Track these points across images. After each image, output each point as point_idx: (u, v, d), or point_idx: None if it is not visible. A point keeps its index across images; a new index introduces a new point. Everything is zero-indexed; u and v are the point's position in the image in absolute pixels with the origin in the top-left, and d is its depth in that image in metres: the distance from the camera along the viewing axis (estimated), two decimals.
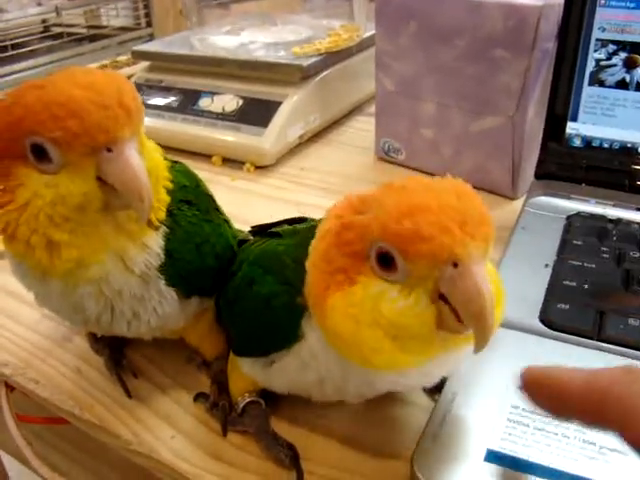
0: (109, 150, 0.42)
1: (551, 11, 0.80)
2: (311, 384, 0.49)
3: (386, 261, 0.39)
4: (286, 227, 0.56)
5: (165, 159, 0.51)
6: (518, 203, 0.88)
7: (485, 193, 0.91)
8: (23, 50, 3.57)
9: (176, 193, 0.51)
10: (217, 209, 0.59)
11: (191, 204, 0.54)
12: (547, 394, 0.38)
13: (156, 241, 0.49)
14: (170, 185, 0.49)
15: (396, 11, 0.92)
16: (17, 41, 3.61)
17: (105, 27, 4.26)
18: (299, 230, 0.53)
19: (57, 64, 3.81)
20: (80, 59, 3.95)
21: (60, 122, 0.41)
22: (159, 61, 1.16)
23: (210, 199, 0.58)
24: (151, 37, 4.47)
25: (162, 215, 0.49)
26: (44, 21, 4.12)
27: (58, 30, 3.98)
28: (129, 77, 1.20)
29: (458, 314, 0.38)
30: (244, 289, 0.50)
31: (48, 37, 4.01)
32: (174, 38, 1.26)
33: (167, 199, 0.49)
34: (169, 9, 5.30)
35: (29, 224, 0.44)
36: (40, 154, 0.43)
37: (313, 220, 0.58)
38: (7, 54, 3.47)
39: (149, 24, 4.40)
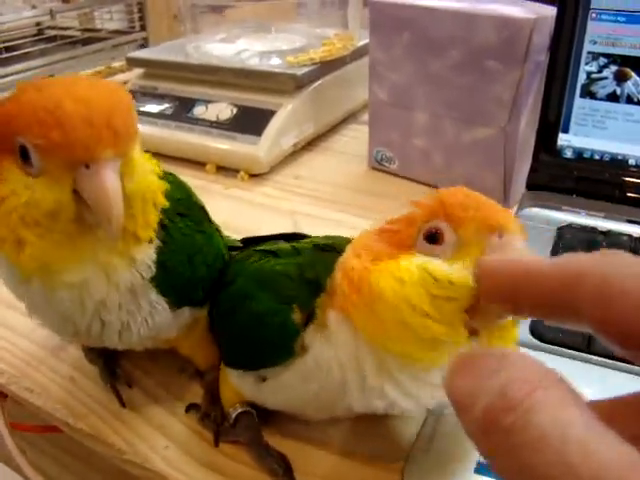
0: (87, 167, 0.42)
1: (543, 24, 0.81)
2: (309, 398, 0.49)
3: (434, 237, 0.41)
4: (283, 245, 0.56)
5: (160, 176, 0.51)
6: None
7: None
8: (17, 53, 3.58)
9: (169, 206, 0.51)
10: (209, 219, 0.59)
11: (184, 216, 0.54)
12: (506, 282, 0.33)
13: (147, 254, 0.49)
14: (166, 204, 0.50)
15: (390, 22, 0.92)
16: (11, 44, 3.62)
17: (99, 30, 4.26)
18: (301, 250, 0.53)
19: (51, 67, 3.81)
20: (74, 62, 3.96)
21: (44, 130, 0.41)
22: (154, 68, 1.16)
23: (202, 210, 0.59)
24: (145, 41, 4.48)
25: (148, 234, 0.48)
26: (38, 24, 4.12)
27: (52, 33, 3.99)
28: (124, 83, 1.21)
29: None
30: (238, 303, 0.51)
31: (42, 40, 4.02)
32: (169, 45, 1.26)
33: (156, 219, 0.49)
34: (163, 13, 5.30)
35: (3, 220, 0.44)
36: (25, 155, 0.43)
37: (310, 237, 0.59)
38: (0, 57, 3.48)
39: (143, 28, 4.41)
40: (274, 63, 1.09)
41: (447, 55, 0.88)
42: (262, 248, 0.56)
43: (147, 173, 0.48)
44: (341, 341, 0.46)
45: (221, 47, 1.19)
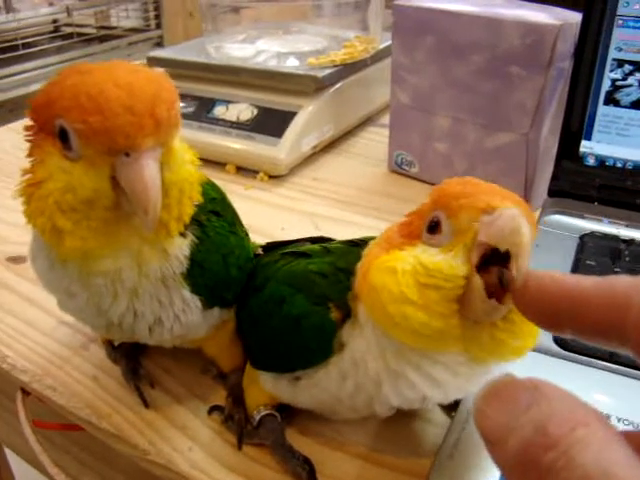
0: (127, 155, 0.41)
1: (568, 30, 0.80)
2: (345, 396, 0.49)
3: (433, 227, 0.42)
4: (312, 246, 0.56)
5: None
6: None
7: None
8: (33, 50, 3.59)
9: (206, 204, 0.51)
10: (240, 222, 0.59)
11: (219, 215, 0.54)
12: (546, 300, 0.33)
13: (179, 248, 0.49)
14: (200, 199, 0.49)
15: (413, 26, 0.92)
16: (27, 40, 3.63)
17: (115, 28, 4.28)
18: (331, 249, 0.54)
19: (67, 64, 3.82)
20: (90, 59, 3.97)
21: (84, 115, 0.40)
22: (174, 68, 1.16)
23: (235, 212, 0.59)
24: (161, 39, 4.51)
25: (180, 226, 0.48)
26: (54, 21, 4.14)
27: (68, 30, 4.00)
28: None
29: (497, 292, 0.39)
30: (272, 307, 0.51)
31: (58, 37, 4.03)
32: (189, 44, 1.26)
33: (192, 211, 0.48)
34: (179, 11, 5.32)
35: (39, 203, 0.44)
36: (65, 138, 0.42)
37: (336, 240, 0.59)
38: (17, 53, 3.50)
39: (159, 26, 4.43)
40: (295, 64, 1.09)
41: (470, 60, 0.87)
42: (290, 250, 0.56)
43: (186, 163, 0.47)
44: (367, 330, 0.47)
45: (242, 47, 1.19)
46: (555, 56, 0.81)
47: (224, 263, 0.53)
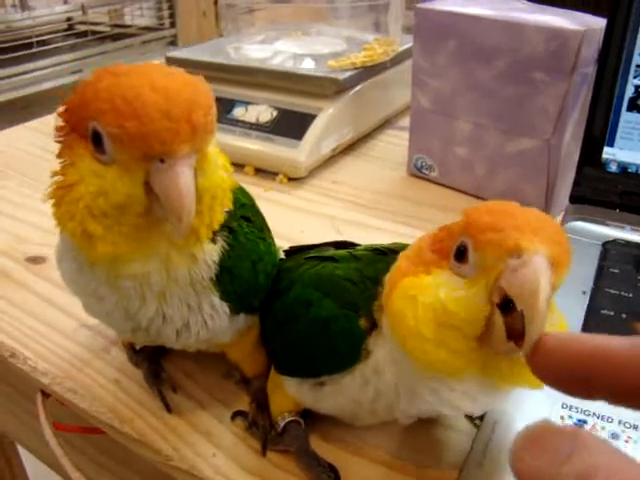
0: (162, 161, 0.41)
1: (592, 35, 0.80)
2: (366, 402, 0.49)
3: (461, 254, 0.41)
4: (339, 251, 0.56)
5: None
6: None
7: None
8: (48, 47, 3.60)
9: (236, 210, 0.51)
10: (268, 228, 0.59)
11: (249, 221, 0.54)
12: (576, 363, 0.31)
13: (209, 254, 0.49)
14: (230, 206, 0.49)
15: (435, 29, 0.92)
16: (42, 38, 3.65)
17: (129, 26, 4.29)
18: (358, 255, 0.53)
19: (81, 62, 3.84)
20: (103, 57, 3.98)
21: (120, 119, 0.40)
22: (192, 68, 1.15)
23: (263, 217, 0.59)
24: (174, 38, 4.52)
25: (210, 233, 0.47)
26: (69, 19, 4.15)
27: (83, 28, 4.01)
28: None
29: (513, 330, 0.38)
30: (299, 310, 0.51)
31: (72, 35, 4.04)
32: (207, 45, 1.26)
33: (222, 218, 0.48)
34: (192, 10, 5.32)
35: (69, 207, 0.43)
36: (98, 141, 0.42)
37: (363, 245, 0.59)
38: (32, 51, 3.51)
39: (173, 25, 4.44)
40: (315, 66, 1.09)
41: (493, 64, 0.87)
42: (315, 255, 0.56)
43: (219, 169, 0.47)
44: (389, 345, 0.46)
45: (261, 48, 1.19)
46: (579, 62, 0.80)
47: (253, 270, 0.53)
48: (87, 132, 0.42)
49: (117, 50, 3.97)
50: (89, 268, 0.48)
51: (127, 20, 4.48)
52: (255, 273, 0.53)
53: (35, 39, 3.53)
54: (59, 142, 0.46)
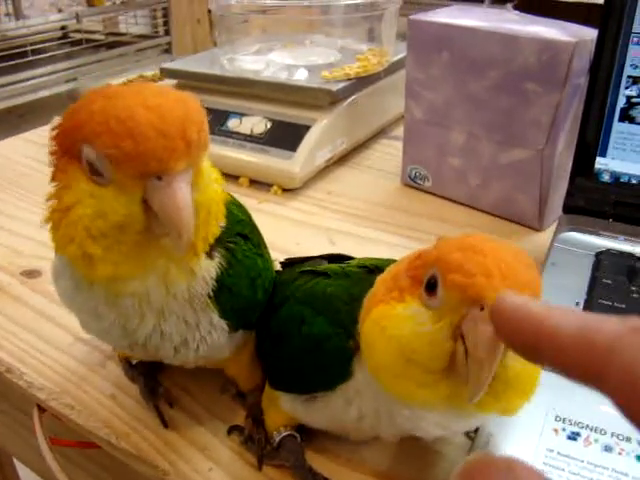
0: (159, 178, 0.41)
1: (584, 47, 0.80)
2: (350, 421, 0.49)
3: (431, 287, 0.41)
4: (332, 266, 0.56)
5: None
6: (544, 235, 0.89)
7: (511, 224, 0.92)
8: (42, 56, 3.60)
9: (234, 226, 0.51)
10: (264, 243, 0.59)
11: (247, 238, 0.54)
12: (527, 333, 0.30)
13: (206, 270, 0.49)
14: (223, 219, 0.49)
15: (429, 41, 0.92)
16: (37, 47, 3.65)
17: (124, 34, 4.29)
18: (349, 272, 0.53)
19: (76, 70, 3.84)
20: (98, 66, 3.99)
21: (115, 139, 0.40)
22: (187, 79, 1.16)
23: (260, 233, 0.59)
24: (169, 45, 4.52)
25: (205, 247, 0.47)
26: (63, 27, 4.16)
27: (77, 37, 4.02)
28: None
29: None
30: (292, 328, 0.51)
31: (67, 43, 4.05)
32: (201, 56, 1.26)
33: (217, 231, 0.48)
34: (186, 18, 5.33)
35: (67, 230, 0.43)
36: (92, 164, 0.42)
37: (355, 259, 0.59)
38: (27, 59, 3.51)
39: (167, 32, 4.44)
40: (309, 78, 1.09)
41: (486, 76, 0.87)
42: (309, 269, 0.56)
43: (212, 182, 0.47)
44: (366, 368, 0.46)
45: (255, 60, 1.20)
46: (571, 73, 0.81)
47: (252, 287, 0.53)
48: (81, 154, 0.42)
49: (112, 58, 3.97)
50: (87, 287, 0.48)
51: (122, 28, 4.49)
52: (254, 290, 0.53)
53: (30, 48, 3.53)
54: (52, 166, 0.46)
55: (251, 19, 1.25)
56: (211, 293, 0.50)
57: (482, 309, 0.38)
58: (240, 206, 0.57)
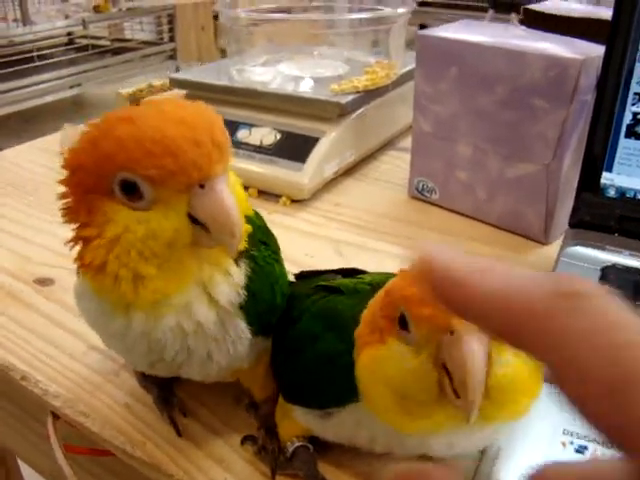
0: (201, 187, 0.43)
1: (591, 64, 0.81)
2: (362, 441, 0.50)
3: (403, 324, 0.42)
4: (345, 281, 0.57)
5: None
6: (550, 248, 0.90)
7: (517, 237, 0.93)
8: (49, 61, 3.62)
9: (255, 233, 0.52)
10: (280, 249, 0.60)
11: (266, 245, 0.55)
12: (456, 303, 0.28)
13: (238, 274, 0.50)
14: (252, 213, 0.51)
15: (438, 56, 0.94)
16: (43, 52, 3.67)
17: (129, 41, 4.32)
18: (361, 289, 0.54)
19: (81, 76, 3.86)
20: (104, 71, 4.01)
21: (155, 160, 0.41)
22: (196, 90, 1.17)
23: (275, 238, 0.60)
24: (174, 52, 4.55)
25: (241, 248, 0.48)
26: (69, 33, 4.18)
27: (83, 43, 4.04)
28: None
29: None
30: (306, 343, 0.52)
31: (73, 49, 4.07)
32: (211, 66, 1.28)
33: (249, 229, 0.49)
34: (191, 25, 5.35)
35: (120, 259, 0.44)
36: (130, 190, 0.43)
37: (368, 273, 0.60)
38: (33, 65, 3.53)
39: (172, 39, 4.48)
40: (318, 90, 1.11)
41: (494, 91, 0.89)
42: (325, 284, 0.57)
43: (237, 184, 0.49)
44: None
45: (264, 71, 1.21)
46: (578, 89, 0.82)
47: (272, 291, 0.54)
48: (112, 186, 0.43)
49: (117, 64, 4.00)
50: (122, 310, 0.48)
51: (127, 34, 4.52)
52: (273, 294, 0.54)
53: (36, 53, 3.55)
54: (68, 208, 0.47)
55: (260, 31, 1.26)
56: (242, 301, 0.50)
57: (452, 333, 0.39)
58: (256, 213, 0.58)
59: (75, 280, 0.53)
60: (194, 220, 0.44)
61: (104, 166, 0.43)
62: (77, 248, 0.48)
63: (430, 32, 0.95)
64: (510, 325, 0.25)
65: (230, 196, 0.43)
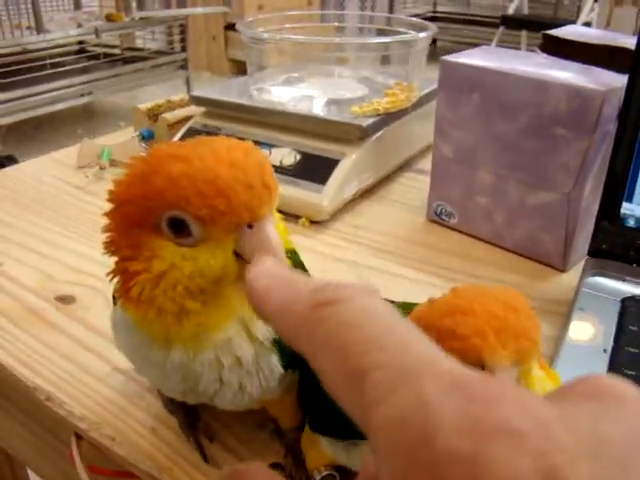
0: (250, 227, 0.43)
1: (614, 95, 0.82)
2: None
3: None
4: None
5: None
6: (568, 276, 0.90)
7: (535, 263, 0.93)
8: (61, 69, 3.64)
9: (292, 259, 0.53)
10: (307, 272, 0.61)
11: (304, 269, 0.56)
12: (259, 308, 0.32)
13: None
14: (292, 247, 0.52)
15: (460, 82, 0.94)
16: (55, 60, 3.69)
17: (141, 50, 4.34)
18: None
19: (93, 84, 3.88)
20: (115, 80, 4.03)
21: (207, 200, 0.42)
22: (216, 108, 1.18)
23: (303, 263, 0.61)
24: (185, 62, 4.57)
25: None
26: (81, 42, 4.20)
27: (95, 51, 4.07)
28: (186, 119, 1.23)
29: None
30: None
31: (84, 57, 4.09)
32: (231, 83, 1.29)
33: (289, 264, 0.49)
34: (202, 35, 5.37)
35: (166, 294, 0.45)
36: (179, 227, 0.44)
37: (393, 302, 0.60)
38: (46, 72, 3.55)
39: (184, 49, 4.49)
40: (339, 111, 1.11)
41: (516, 119, 0.89)
42: None
43: (279, 220, 0.50)
44: None
45: (284, 91, 1.22)
46: (600, 120, 0.82)
47: None
48: (159, 222, 0.44)
49: (128, 73, 4.02)
50: (161, 341, 0.49)
51: (138, 43, 4.54)
52: None
53: (49, 61, 3.57)
54: (111, 241, 0.48)
55: (280, 50, 1.27)
56: (274, 335, 0.51)
57: (483, 369, 0.39)
58: (293, 249, 0.59)
59: (111, 309, 0.54)
60: (238, 256, 0.45)
61: (154, 202, 0.44)
62: (116, 279, 0.48)
63: (453, 58, 0.95)
64: (289, 334, 0.30)
65: (277, 236, 0.44)
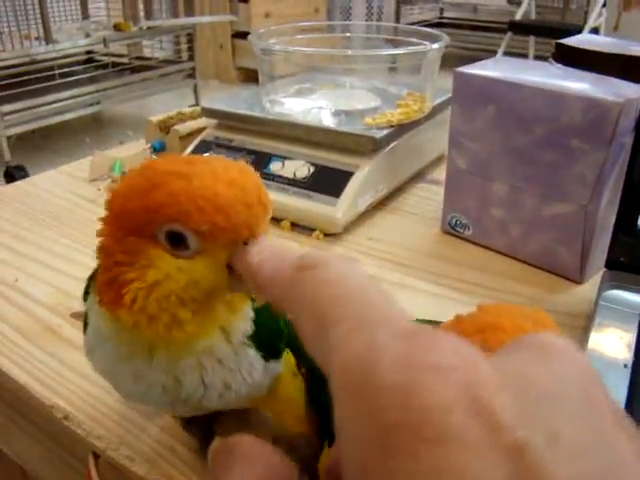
0: (245, 243, 0.44)
1: (631, 106, 0.82)
2: None
3: None
4: None
5: None
6: (584, 288, 0.90)
7: (551, 275, 0.93)
8: (70, 79, 3.65)
9: None
10: None
11: None
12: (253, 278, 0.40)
13: (249, 309, 0.53)
14: None
15: (475, 94, 0.94)
16: (64, 70, 3.70)
17: (149, 59, 4.35)
18: None
19: (101, 94, 3.89)
20: (123, 90, 4.04)
21: (207, 216, 0.43)
22: (228, 120, 1.18)
23: None
24: (193, 70, 4.57)
25: None
26: (89, 52, 4.22)
27: (103, 60, 4.08)
28: (198, 131, 1.23)
29: None
30: None
31: (92, 67, 4.10)
32: (242, 95, 1.28)
33: None
34: (210, 43, 5.38)
35: (160, 303, 0.46)
36: (176, 240, 0.45)
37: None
38: (54, 82, 3.56)
39: (191, 58, 4.50)
40: (351, 123, 1.11)
41: (532, 131, 0.89)
42: None
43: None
44: None
45: (297, 102, 1.21)
46: (617, 132, 0.82)
47: (274, 319, 0.56)
48: (156, 232, 0.45)
49: (136, 82, 4.03)
50: (144, 351, 0.50)
51: (146, 53, 4.55)
52: (277, 321, 0.57)
53: (58, 71, 3.58)
54: (103, 246, 0.48)
55: (292, 63, 1.27)
56: (251, 332, 0.54)
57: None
58: None
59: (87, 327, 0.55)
60: (230, 268, 0.46)
61: (154, 215, 0.45)
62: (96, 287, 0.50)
63: (467, 69, 0.95)
64: (279, 297, 0.35)
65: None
